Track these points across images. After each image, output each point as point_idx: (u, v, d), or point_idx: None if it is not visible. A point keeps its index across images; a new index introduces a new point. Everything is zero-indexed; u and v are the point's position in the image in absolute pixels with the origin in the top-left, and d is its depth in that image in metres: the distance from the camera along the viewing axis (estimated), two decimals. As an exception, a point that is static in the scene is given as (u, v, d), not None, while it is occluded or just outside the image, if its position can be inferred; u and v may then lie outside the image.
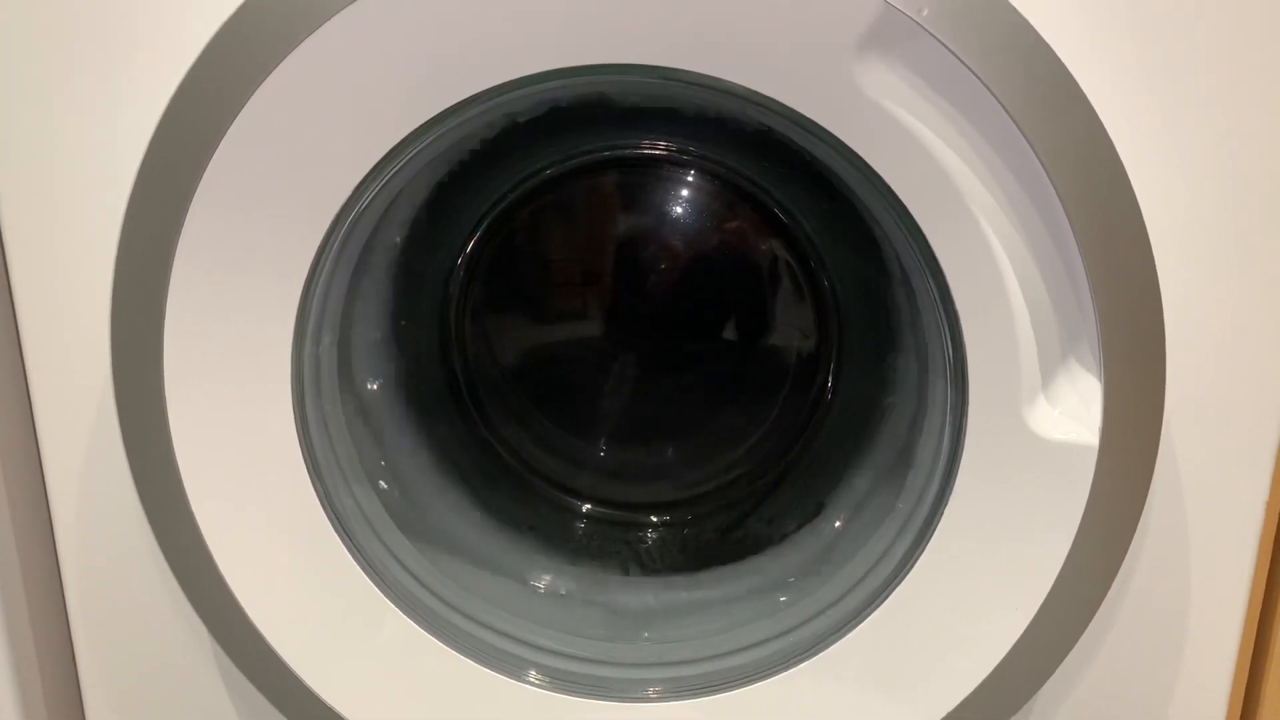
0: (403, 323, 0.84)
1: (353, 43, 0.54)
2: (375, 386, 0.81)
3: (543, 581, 0.81)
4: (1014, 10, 0.53)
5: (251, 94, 0.55)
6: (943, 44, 0.52)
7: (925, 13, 0.51)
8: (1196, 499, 0.66)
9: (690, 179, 0.87)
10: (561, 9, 0.54)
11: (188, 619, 0.72)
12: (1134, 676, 0.71)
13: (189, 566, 0.64)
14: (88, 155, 0.63)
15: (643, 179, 0.87)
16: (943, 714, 0.64)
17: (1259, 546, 0.68)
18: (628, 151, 0.85)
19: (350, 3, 0.53)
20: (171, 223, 0.57)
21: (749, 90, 0.55)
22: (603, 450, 0.92)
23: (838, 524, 0.80)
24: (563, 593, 0.80)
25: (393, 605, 0.67)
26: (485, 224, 0.87)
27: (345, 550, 0.66)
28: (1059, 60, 0.53)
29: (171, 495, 0.62)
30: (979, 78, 0.52)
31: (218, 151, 0.56)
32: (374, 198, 0.64)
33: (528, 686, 0.68)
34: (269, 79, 0.55)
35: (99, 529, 0.72)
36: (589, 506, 0.91)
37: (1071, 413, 0.59)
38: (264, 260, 0.60)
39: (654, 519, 0.91)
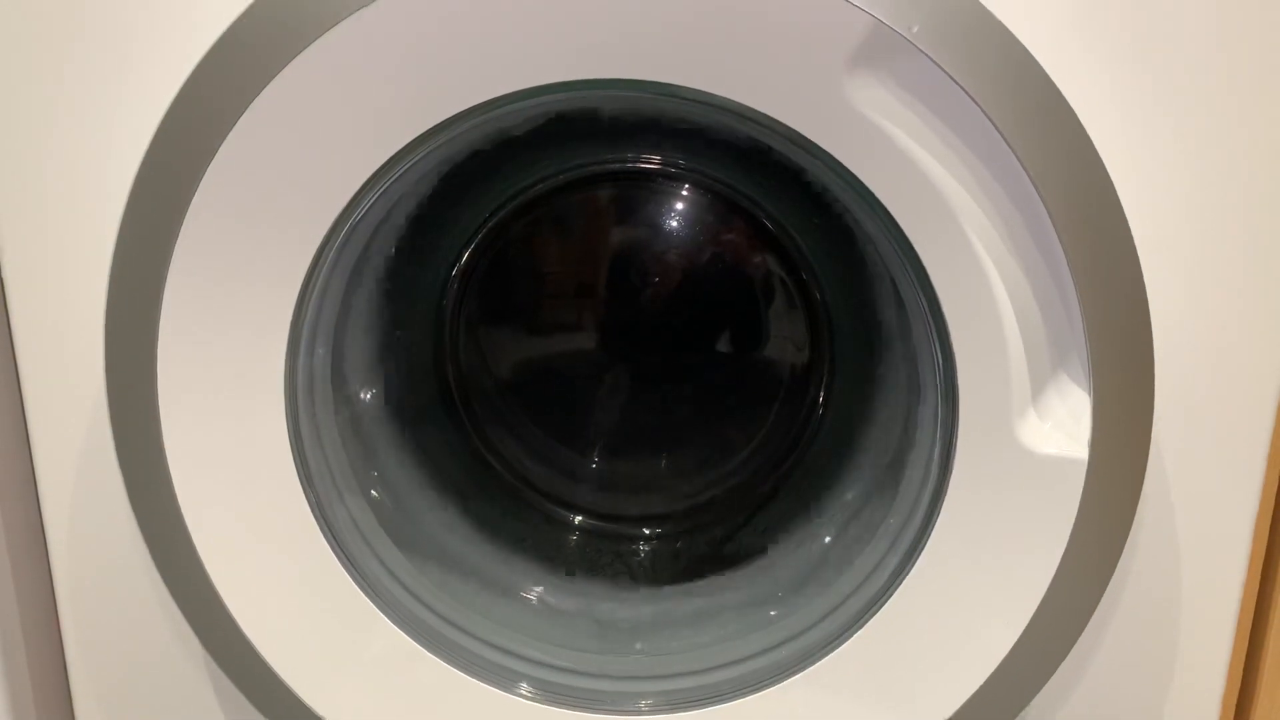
0: (396, 334, 0.84)
1: (348, 56, 0.55)
2: (368, 397, 0.81)
3: (535, 594, 0.81)
4: (1003, 27, 0.53)
5: (248, 106, 0.55)
6: (933, 60, 0.52)
7: (915, 29, 0.52)
8: (1186, 512, 0.67)
9: (683, 192, 0.87)
10: (555, 25, 0.54)
11: (179, 628, 0.72)
12: (1124, 690, 0.71)
13: (181, 575, 0.64)
14: (84, 164, 0.63)
15: (636, 192, 0.87)
16: (934, 727, 0.64)
17: (1249, 560, 0.68)
18: (621, 165, 0.86)
19: (345, 16, 0.54)
20: (167, 232, 0.57)
21: (742, 105, 0.56)
22: (595, 462, 0.92)
23: (829, 537, 0.80)
24: (555, 605, 0.80)
25: (384, 616, 0.67)
26: (479, 236, 0.87)
27: (337, 561, 0.66)
28: (1047, 76, 0.54)
29: (164, 504, 0.62)
30: (968, 93, 0.53)
31: (214, 162, 0.56)
32: (369, 209, 0.64)
33: (519, 699, 0.68)
34: (265, 91, 0.55)
35: (92, 537, 0.72)
36: (581, 519, 0.91)
37: (1061, 426, 0.59)
38: (259, 270, 0.60)
39: (646, 531, 0.91)
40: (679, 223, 0.88)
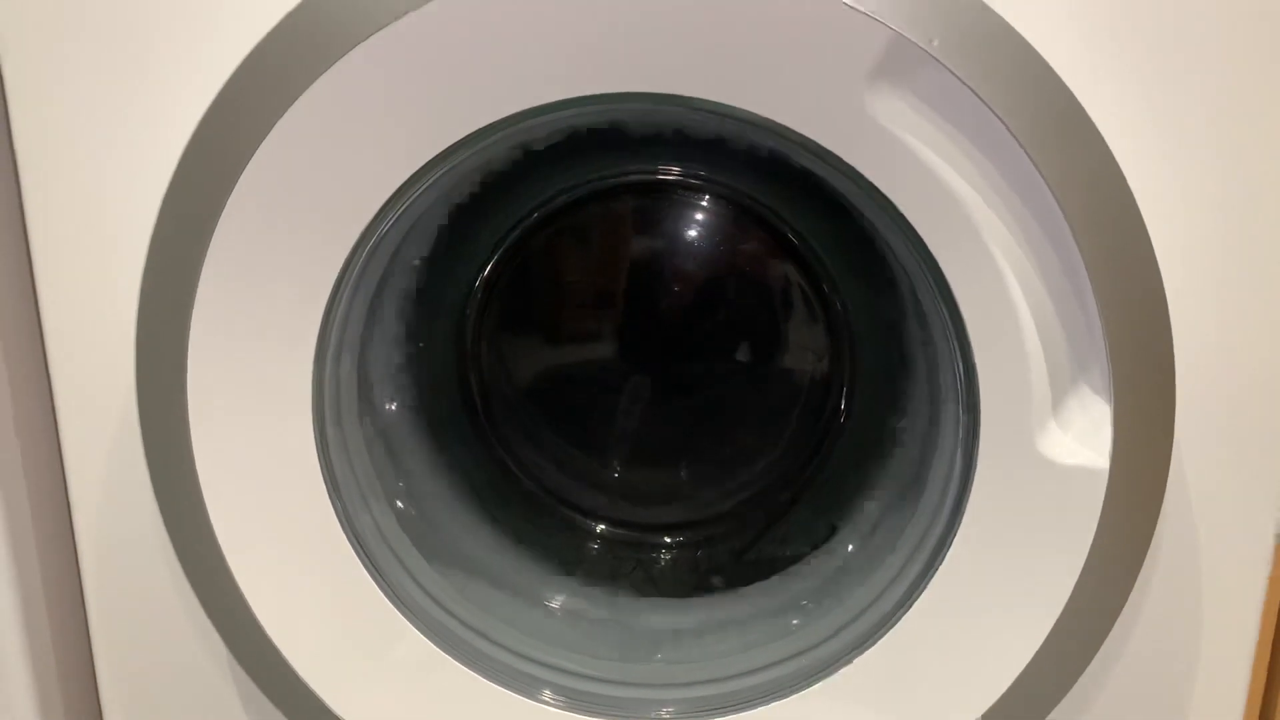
0: (420, 344, 0.85)
1: (377, 69, 0.55)
2: (393, 407, 0.81)
3: (556, 601, 0.81)
4: (1023, 40, 0.54)
5: (279, 118, 0.56)
6: (953, 73, 0.53)
7: (936, 43, 0.52)
8: (1207, 523, 0.66)
9: (704, 204, 0.87)
10: (580, 41, 0.55)
11: (205, 632, 0.73)
12: (1145, 701, 0.71)
13: (207, 580, 0.64)
14: (117, 171, 0.64)
15: (657, 204, 0.88)
16: (953, 736, 0.64)
17: (1271, 570, 0.68)
18: (643, 177, 0.86)
19: (374, 31, 0.54)
20: (198, 243, 0.58)
21: (763, 118, 0.56)
22: (617, 471, 0.93)
23: (850, 546, 0.80)
24: (576, 613, 0.80)
25: (408, 623, 0.68)
26: (503, 248, 0.88)
27: (362, 567, 0.67)
28: (1067, 89, 0.54)
29: (192, 511, 0.63)
30: (988, 106, 0.53)
31: (245, 172, 0.57)
32: (395, 221, 0.65)
33: (542, 705, 0.69)
34: (296, 104, 0.56)
35: (120, 543, 0.72)
36: (603, 527, 0.92)
37: (1082, 437, 0.59)
38: (288, 279, 0.60)
39: (667, 540, 0.91)
40: (700, 234, 0.88)
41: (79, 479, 0.71)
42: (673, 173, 0.86)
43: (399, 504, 0.76)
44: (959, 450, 0.65)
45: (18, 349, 0.72)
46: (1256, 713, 0.73)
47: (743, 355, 0.90)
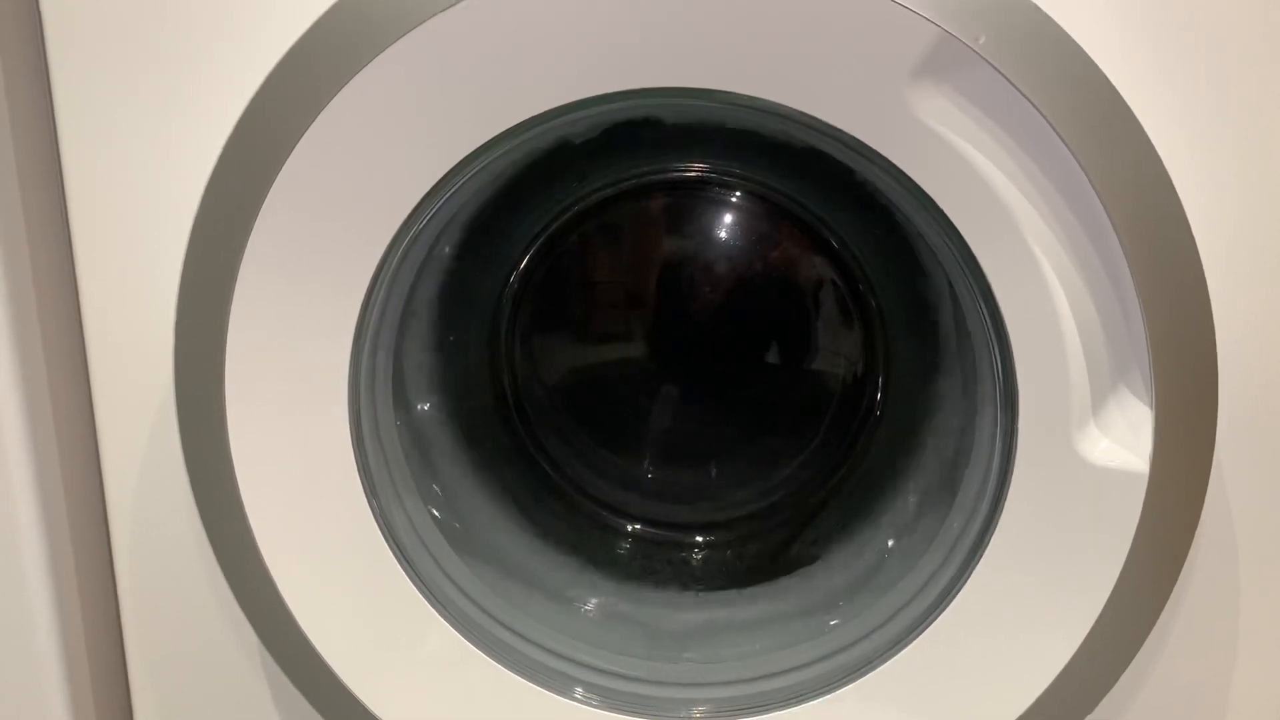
0: (453, 340, 0.85)
1: (412, 66, 0.56)
2: (427, 403, 0.82)
3: (588, 599, 0.81)
4: (1070, 39, 0.53)
5: (317, 114, 0.56)
6: (999, 71, 0.52)
7: (982, 40, 0.52)
8: (1247, 528, 0.66)
9: (740, 202, 0.87)
10: (621, 34, 0.55)
11: (237, 625, 0.73)
12: (1183, 706, 0.70)
13: (242, 573, 0.64)
14: (157, 169, 0.65)
15: (693, 201, 0.88)
16: (986, 740, 0.64)
17: (1312, 578, 0.67)
18: (680, 174, 0.86)
19: (410, 29, 0.55)
20: (237, 237, 0.58)
21: (805, 115, 0.56)
22: (649, 470, 0.93)
23: (884, 547, 0.79)
24: (607, 611, 0.80)
25: (441, 618, 0.68)
26: (536, 245, 0.88)
27: (395, 562, 0.67)
28: (1114, 88, 0.54)
29: (227, 504, 0.63)
30: (1034, 105, 0.53)
31: (283, 169, 0.57)
32: (431, 216, 0.65)
33: (573, 703, 0.69)
34: (335, 99, 0.56)
35: (155, 534, 0.73)
36: (634, 525, 0.92)
37: (1122, 440, 0.59)
38: (325, 275, 0.61)
39: (699, 539, 0.91)
40: (736, 232, 0.88)
41: (115, 472, 0.72)
42: (710, 170, 0.86)
43: (432, 498, 0.76)
44: (996, 451, 0.65)
45: (57, 340, 0.72)
46: (1293, 721, 0.73)
47: (777, 354, 0.90)
